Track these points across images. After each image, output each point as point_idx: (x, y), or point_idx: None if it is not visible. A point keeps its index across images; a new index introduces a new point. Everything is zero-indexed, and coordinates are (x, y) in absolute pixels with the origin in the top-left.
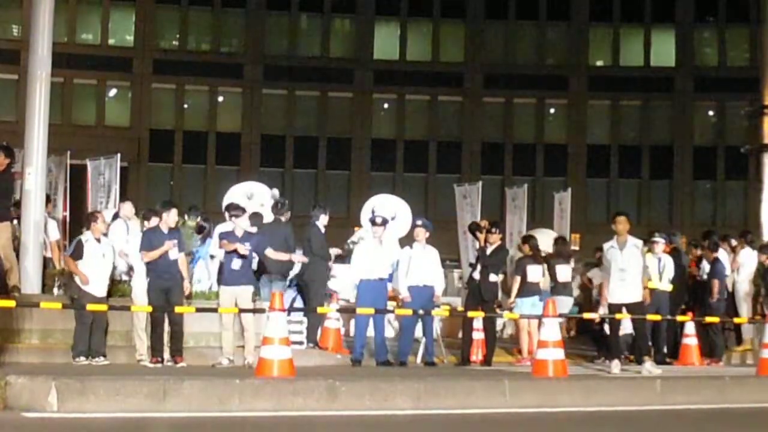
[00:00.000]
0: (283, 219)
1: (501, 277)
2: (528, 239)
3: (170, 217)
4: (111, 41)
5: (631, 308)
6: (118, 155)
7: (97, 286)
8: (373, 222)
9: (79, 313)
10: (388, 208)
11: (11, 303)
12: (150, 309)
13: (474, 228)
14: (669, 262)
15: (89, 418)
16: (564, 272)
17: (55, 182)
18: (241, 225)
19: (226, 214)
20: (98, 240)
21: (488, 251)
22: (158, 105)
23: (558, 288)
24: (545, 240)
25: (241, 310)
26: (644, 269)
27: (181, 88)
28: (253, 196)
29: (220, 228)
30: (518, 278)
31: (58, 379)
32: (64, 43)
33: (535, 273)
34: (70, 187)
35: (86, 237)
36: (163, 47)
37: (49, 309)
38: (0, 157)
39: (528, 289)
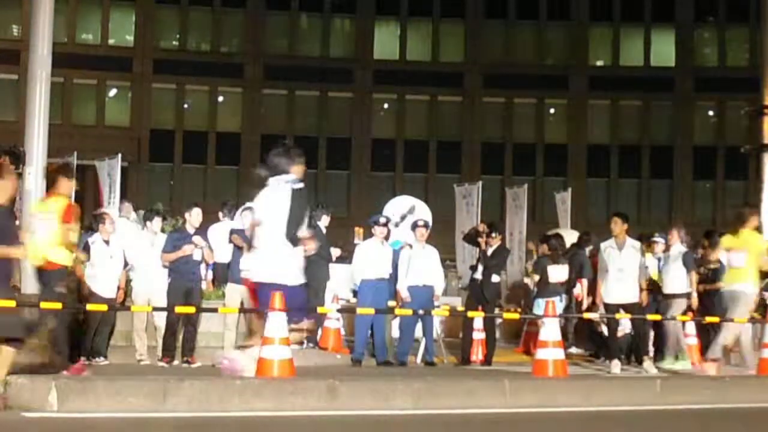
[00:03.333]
0: None
1: (503, 277)
2: (547, 239)
3: (193, 217)
4: (111, 41)
5: (630, 308)
6: (119, 155)
7: (105, 287)
8: (376, 222)
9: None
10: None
11: (11, 303)
12: (149, 309)
13: (474, 234)
14: None
15: (89, 418)
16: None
17: None
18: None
19: (240, 212)
20: (106, 242)
21: (489, 252)
22: (158, 105)
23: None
24: (570, 240)
25: (244, 310)
26: (643, 270)
27: (181, 88)
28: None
29: (231, 225)
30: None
31: (58, 379)
32: (64, 43)
33: (556, 273)
34: None
35: (93, 239)
36: (163, 47)
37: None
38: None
39: (549, 290)
